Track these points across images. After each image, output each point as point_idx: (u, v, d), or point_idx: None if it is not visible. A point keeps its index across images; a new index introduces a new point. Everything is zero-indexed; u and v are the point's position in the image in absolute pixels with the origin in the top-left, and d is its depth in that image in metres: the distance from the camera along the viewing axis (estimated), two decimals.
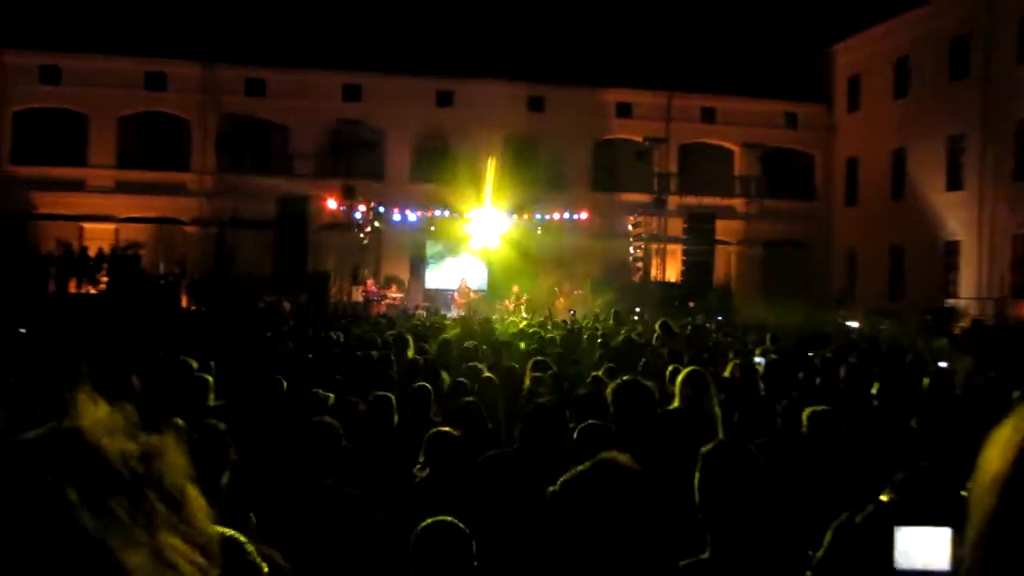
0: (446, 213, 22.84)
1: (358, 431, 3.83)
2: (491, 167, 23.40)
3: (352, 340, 8.42)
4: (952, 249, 22.26)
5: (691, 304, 22.15)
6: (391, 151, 24.78)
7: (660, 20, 25.61)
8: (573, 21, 25.05)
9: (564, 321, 15.52)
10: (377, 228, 22.96)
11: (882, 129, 24.54)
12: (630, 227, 24.57)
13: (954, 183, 22.39)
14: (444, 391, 5.13)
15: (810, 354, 8.47)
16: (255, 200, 22.23)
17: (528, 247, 23.69)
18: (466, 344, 7.71)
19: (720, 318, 19.72)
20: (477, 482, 3.10)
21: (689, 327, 11.74)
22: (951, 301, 21.55)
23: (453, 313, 20.89)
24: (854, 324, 20.60)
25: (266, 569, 1.34)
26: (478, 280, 23.88)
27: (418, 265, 24.33)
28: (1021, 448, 0.67)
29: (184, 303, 18.74)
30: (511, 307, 21.18)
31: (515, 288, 21.74)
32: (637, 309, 20.93)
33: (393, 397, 4.30)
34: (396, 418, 4.20)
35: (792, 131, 26.77)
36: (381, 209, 22.48)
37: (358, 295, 21.72)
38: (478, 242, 23.79)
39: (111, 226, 22.93)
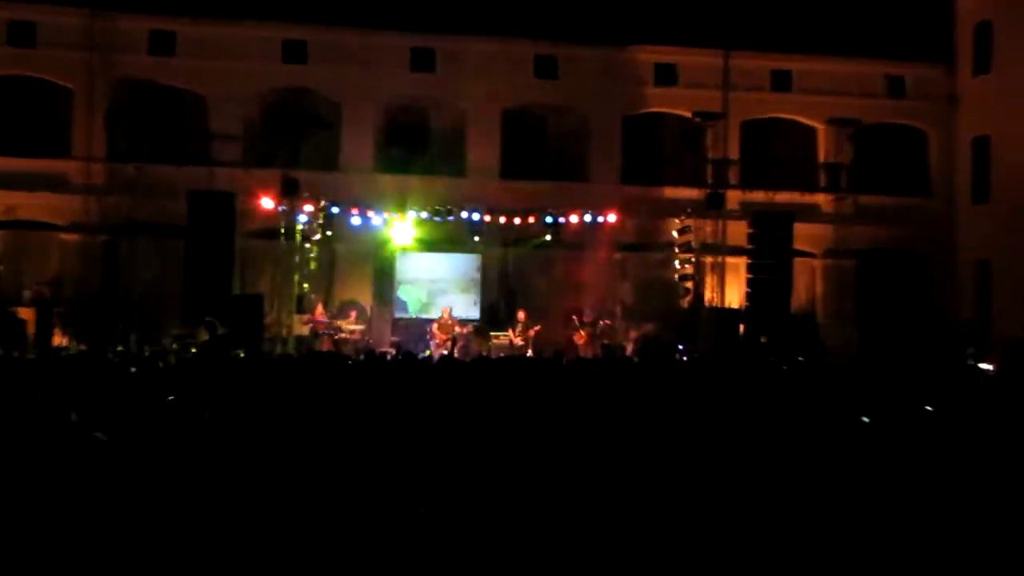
0: (423, 215, 22.82)
1: None
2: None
3: None
4: None
5: (762, 339, 22.05)
6: (349, 131, 24.66)
7: None
8: None
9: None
10: (329, 236, 22.84)
11: None
12: (675, 234, 24.43)
13: None
14: None
15: (928, 408, 8.37)
16: (161, 198, 21.89)
17: (538, 262, 24.24)
18: None
19: (801, 358, 19.71)
20: None
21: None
22: None
23: (432, 350, 21.01)
24: (988, 366, 20.00)
25: None
26: (469, 307, 23.91)
27: (385, 287, 24.17)
28: None
29: (57, 338, 18.35)
30: (517, 340, 21.31)
31: (521, 316, 21.90)
32: (681, 347, 20.76)
33: None
34: None
35: (897, 101, 26.60)
36: (335, 210, 22.46)
37: (303, 326, 21.72)
38: (466, 256, 24.24)
39: None
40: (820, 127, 26.37)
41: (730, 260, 24.78)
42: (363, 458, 5.73)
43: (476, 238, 23.35)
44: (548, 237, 23.52)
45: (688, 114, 25.17)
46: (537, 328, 21.59)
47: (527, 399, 8.63)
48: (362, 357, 16.69)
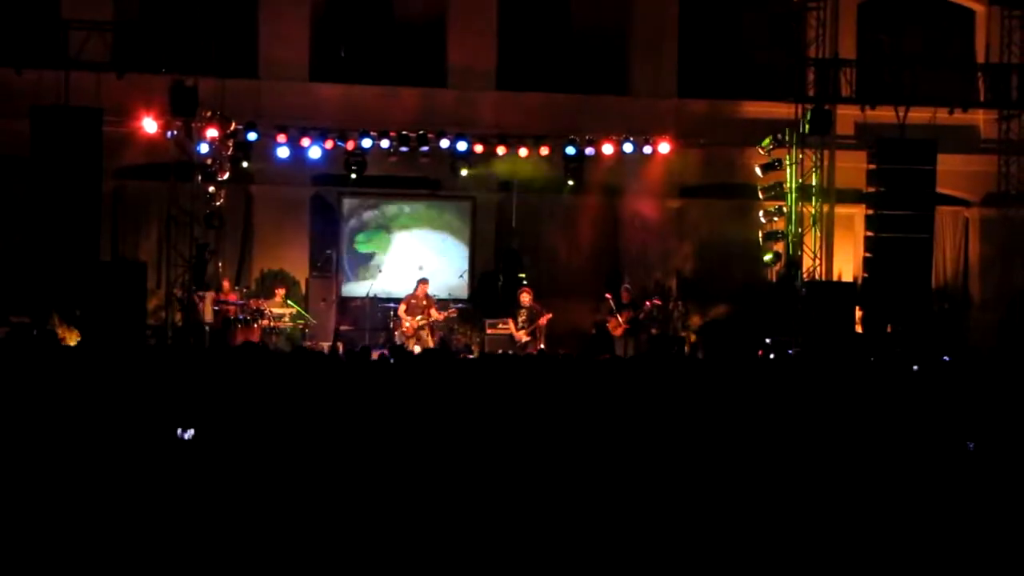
0: (383, 143, 23.02)
1: None
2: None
3: None
4: None
5: (888, 328, 22.18)
6: (272, 19, 24.70)
7: None
8: None
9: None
10: (244, 174, 23.23)
11: None
12: (759, 171, 24.39)
13: None
14: None
15: None
16: None
17: (553, 213, 24.76)
18: None
19: (946, 358, 19.80)
20: None
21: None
22: None
23: (399, 342, 21.12)
24: None
25: None
26: (451, 279, 24.24)
27: (328, 251, 24.27)
28: None
29: None
30: (520, 335, 21.65)
31: (525, 296, 22.10)
32: (768, 340, 21.07)
33: None
34: None
35: None
36: (252, 136, 22.65)
37: (206, 309, 22.00)
38: (448, 204, 25.06)
39: None
40: (980, 8, 26.16)
41: (841, 210, 24.84)
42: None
43: (462, 175, 23.52)
44: (569, 179, 23.65)
45: None
46: (548, 316, 21.65)
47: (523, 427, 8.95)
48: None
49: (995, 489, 7.27)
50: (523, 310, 21.72)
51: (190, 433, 8.68)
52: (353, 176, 23.30)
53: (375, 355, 19.65)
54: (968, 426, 10.13)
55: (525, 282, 22.83)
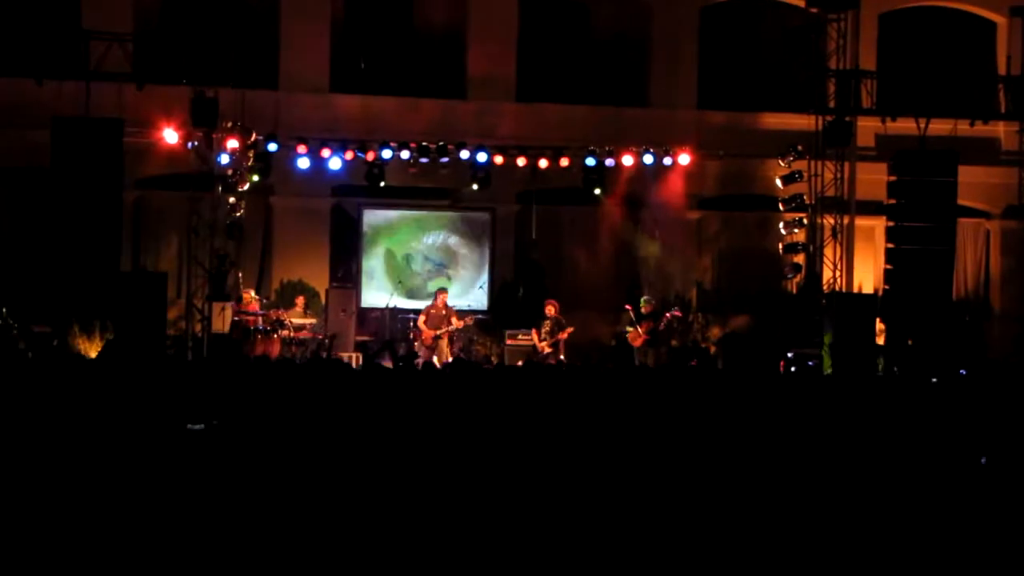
0: (403, 154, 22.95)
1: None
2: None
3: None
4: None
5: (908, 340, 21.96)
6: (293, 30, 24.67)
7: None
8: None
9: None
10: (264, 185, 23.19)
11: None
12: (779, 183, 24.24)
13: None
14: None
15: None
16: (11, 126, 22.04)
17: (573, 225, 24.85)
18: None
19: (963, 371, 19.86)
20: None
21: None
22: None
23: (420, 357, 20.94)
24: None
25: None
26: (473, 291, 24.32)
27: (346, 261, 24.33)
28: None
29: None
30: (543, 346, 21.63)
31: (551, 308, 22.10)
32: (790, 354, 20.86)
33: None
34: None
35: None
36: (272, 147, 22.61)
37: (223, 320, 21.91)
38: (468, 215, 24.98)
39: None
40: (1001, 20, 26.04)
41: (861, 222, 24.67)
42: None
43: (480, 187, 23.40)
44: (589, 190, 23.55)
45: (800, 2, 24.80)
46: (569, 330, 21.63)
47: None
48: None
49: (1005, 503, 7.27)
50: (548, 321, 21.66)
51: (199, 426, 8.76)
52: (380, 186, 23.16)
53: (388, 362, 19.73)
54: (983, 440, 9.99)
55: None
